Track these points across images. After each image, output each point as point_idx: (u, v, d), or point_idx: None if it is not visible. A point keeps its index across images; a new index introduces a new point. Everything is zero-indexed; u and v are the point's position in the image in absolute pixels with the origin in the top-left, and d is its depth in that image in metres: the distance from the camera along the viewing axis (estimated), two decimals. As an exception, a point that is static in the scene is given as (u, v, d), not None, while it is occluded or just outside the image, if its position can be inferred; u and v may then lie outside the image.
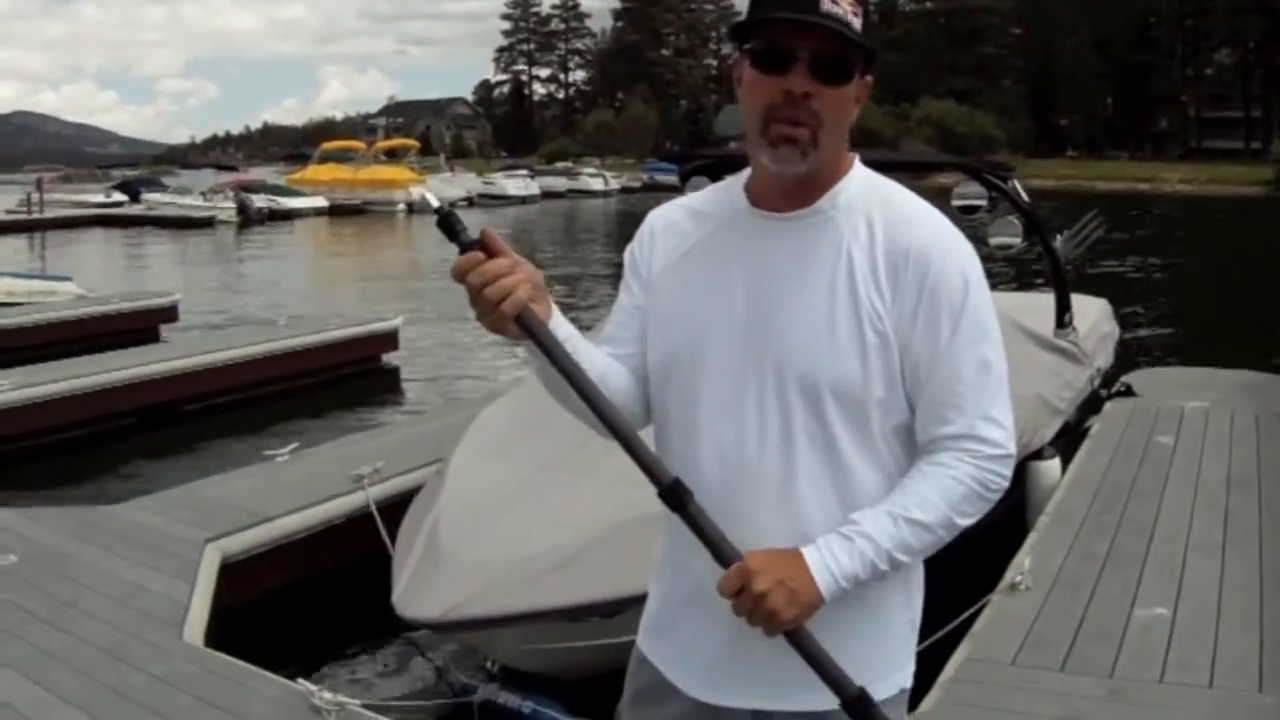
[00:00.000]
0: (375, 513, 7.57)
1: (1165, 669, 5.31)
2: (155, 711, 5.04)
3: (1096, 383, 10.37)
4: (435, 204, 2.23)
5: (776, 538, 2.32)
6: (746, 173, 2.53)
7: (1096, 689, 5.14)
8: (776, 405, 2.37)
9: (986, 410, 2.36)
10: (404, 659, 6.95)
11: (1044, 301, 10.15)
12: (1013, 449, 2.40)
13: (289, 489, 8.04)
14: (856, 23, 2.28)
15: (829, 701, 2.34)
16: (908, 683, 2.55)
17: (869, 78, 2.39)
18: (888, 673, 2.48)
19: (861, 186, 2.44)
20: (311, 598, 7.35)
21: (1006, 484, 2.40)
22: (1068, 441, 9.04)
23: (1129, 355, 14.81)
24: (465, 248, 2.22)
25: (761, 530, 2.34)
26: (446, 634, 5.90)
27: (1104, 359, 11.01)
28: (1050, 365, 8.99)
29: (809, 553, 2.29)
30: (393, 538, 6.62)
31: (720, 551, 2.26)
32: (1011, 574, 6.39)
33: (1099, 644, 5.57)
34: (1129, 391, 11.02)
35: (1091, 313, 11.23)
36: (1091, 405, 10.21)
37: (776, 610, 2.23)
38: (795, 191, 2.41)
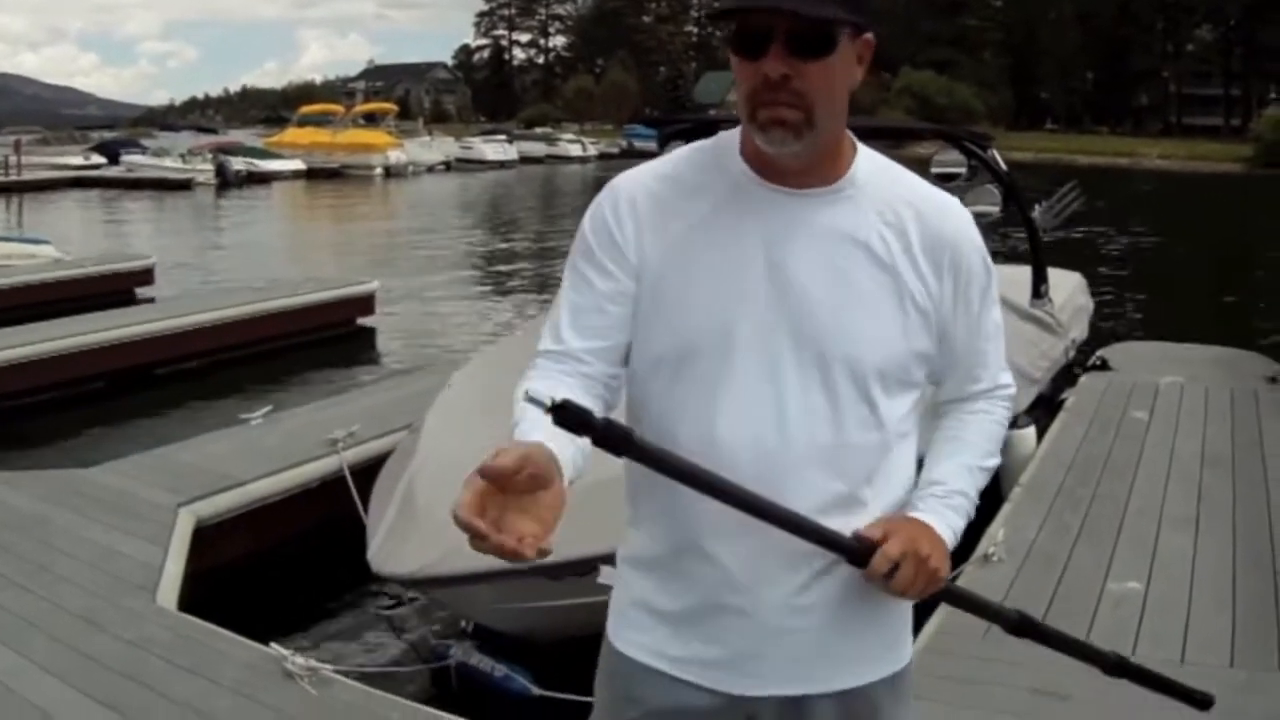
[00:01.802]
0: (349, 477, 7.55)
1: (1137, 643, 5.34)
2: (128, 676, 5.03)
3: (1071, 354, 10.43)
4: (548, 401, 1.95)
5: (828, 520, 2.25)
6: (729, 140, 2.39)
7: (1068, 662, 5.14)
8: (823, 392, 2.28)
9: (1001, 362, 2.56)
10: (378, 624, 6.96)
11: (1020, 274, 10.16)
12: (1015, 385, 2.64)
13: (263, 453, 8.03)
14: None
15: (863, 677, 2.42)
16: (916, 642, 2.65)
17: (868, 35, 2.26)
18: (907, 640, 2.53)
19: (871, 167, 2.39)
20: (285, 562, 7.34)
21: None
22: (1042, 412, 9.07)
23: (1103, 329, 14.86)
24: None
25: (808, 507, 2.22)
26: (420, 590, 5.88)
27: (1079, 331, 11.06)
28: (1027, 335, 9.03)
29: (926, 518, 2.33)
30: (366, 502, 6.61)
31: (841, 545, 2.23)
32: (985, 545, 6.41)
33: (1071, 617, 5.58)
34: (1104, 365, 11.04)
35: (1067, 285, 11.27)
36: (1065, 377, 10.26)
37: (939, 571, 2.26)
38: (812, 167, 2.31)
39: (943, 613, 5.56)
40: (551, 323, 2.39)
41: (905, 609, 2.49)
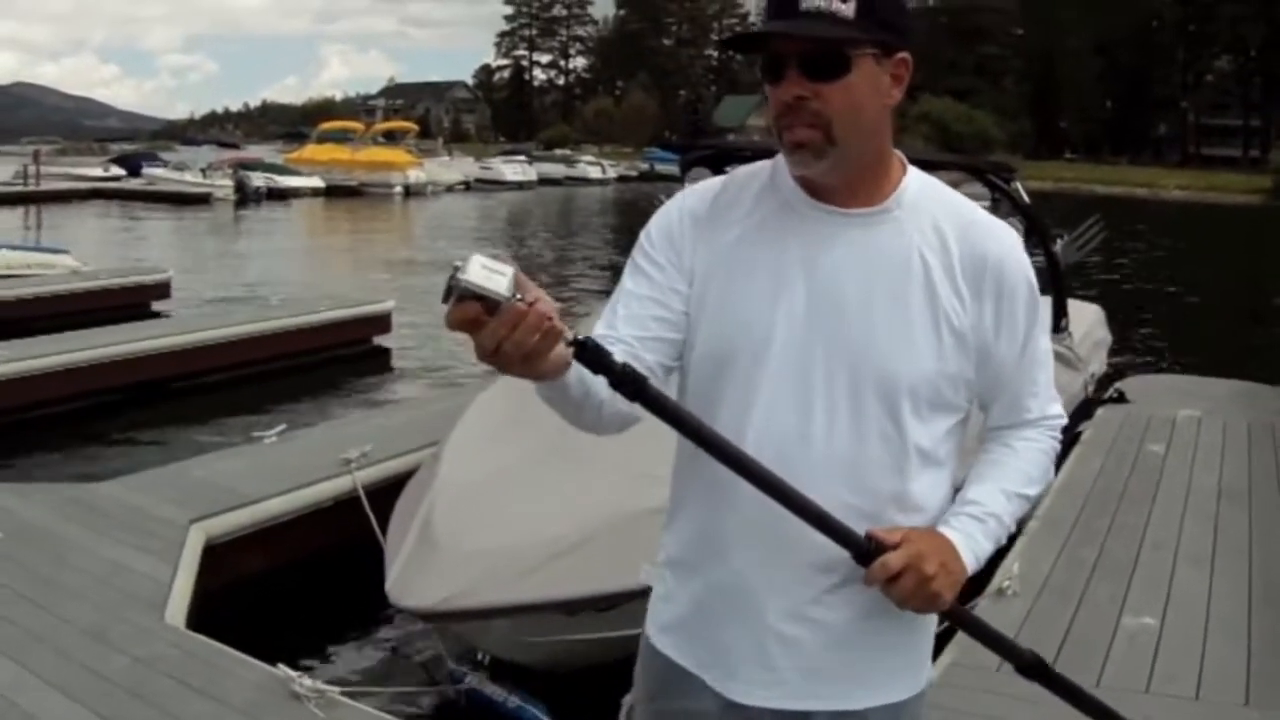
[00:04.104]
0: (362, 496, 7.52)
1: (1152, 679, 5.29)
2: (134, 694, 5.01)
3: (1090, 389, 10.36)
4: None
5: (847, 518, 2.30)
6: (783, 161, 2.43)
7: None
8: (849, 405, 2.34)
9: (1051, 392, 2.57)
10: (389, 647, 6.92)
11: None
12: (1066, 417, 2.63)
13: (276, 471, 8.00)
14: (847, 7, 2.21)
15: (865, 700, 2.45)
16: (933, 674, 2.71)
17: (902, 54, 2.31)
18: (920, 670, 2.55)
19: (920, 188, 2.44)
20: (296, 582, 7.29)
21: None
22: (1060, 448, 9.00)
23: (1120, 360, 14.81)
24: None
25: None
26: (439, 624, 5.85)
27: (1097, 365, 11.00)
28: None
29: (953, 536, 2.36)
30: (380, 522, 6.60)
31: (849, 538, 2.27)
32: (999, 579, 6.36)
33: (1086, 652, 5.55)
34: (1121, 398, 11.00)
35: (1086, 318, 11.20)
36: (1083, 411, 10.19)
37: (941, 594, 2.30)
38: (854, 186, 2.38)
39: (956, 647, 5.52)
40: (608, 308, 2.46)
41: (921, 639, 2.53)
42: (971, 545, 2.37)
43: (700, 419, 2.24)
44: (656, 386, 2.18)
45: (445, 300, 1.91)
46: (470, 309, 1.90)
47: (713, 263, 2.43)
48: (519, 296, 1.91)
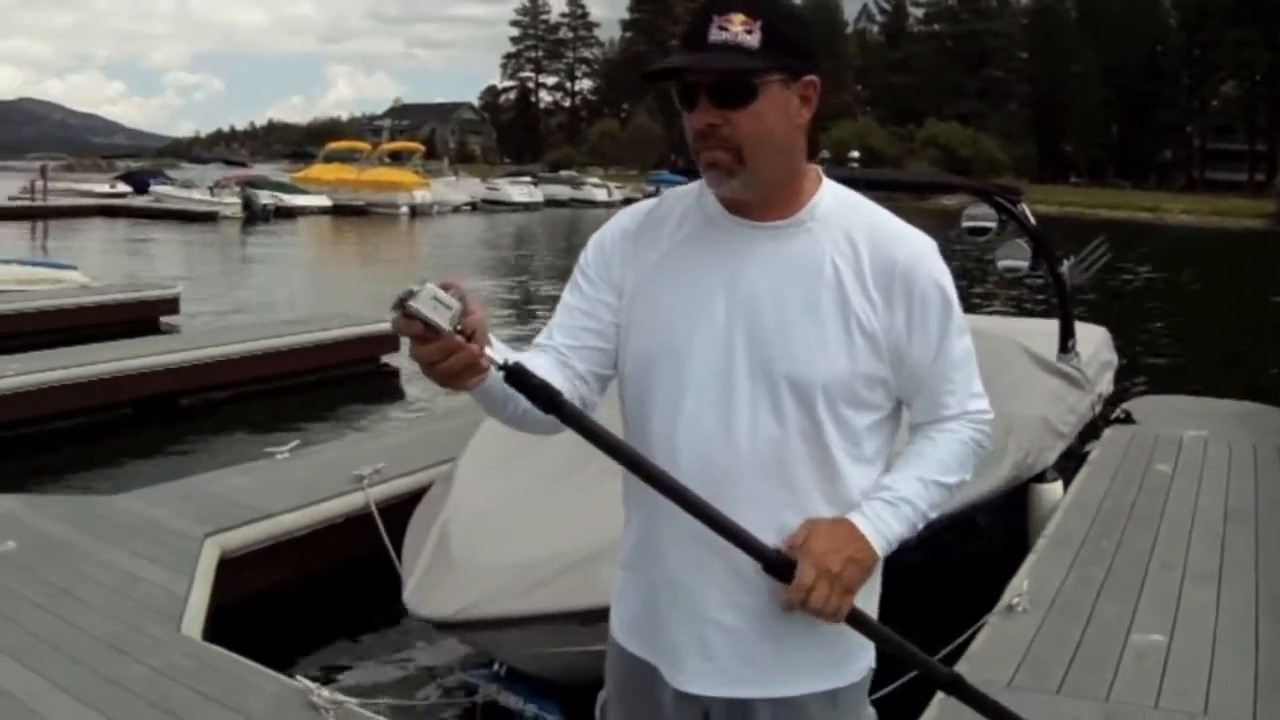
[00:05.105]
0: (375, 513, 7.55)
1: (1161, 695, 5.31)
2: (153, 703, 5.04)
3: (1098, 409, 10.36)
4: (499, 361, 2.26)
5: (775, 510, 2.51)
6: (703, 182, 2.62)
7: (1092, 713, 5.14)
8: (769, 405, 2.50)
9: (973, 389, 2.69)
10: (404, 658, 6.95)
11: (1046, 327, 10.15)
12: (992, 412, 2.74)
13: (289, 486, 8.02)
14: (752, 39, 2.38)
15: (800, 687, 2.61)
16: (873, 662, 2.73)
17: (809, 77, 2.50)
18: (855, 660, 2.68)
19: (835, 201, 2.60)
20: (310, 595, 7.35)
21: (991, 445, 2.76)
22: (1068, 466, 9.03)
23: (1126, 382, 14.82)
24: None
25: (755, 513, 2.47)
26: (455, 633, 5.89)
27: (1104, 386, 10.99)
28: (1054, 389, 8.99)
29: (860, 522, 2.50)
30: (392, 538, 6.63)
31: (761, 552, 2.44)
32: (1009, 596, 6.38)
33: (1095, 668, 5.58)
34: (1128, 418, 11.00)
35: (1092, 340, 11.20)
36: (1091, 432, 10.20)
37: (853, 586, 2.47)
38: (768, 202, 2.56)
39: (966, 663, 5.54)
40: (550, 321, 2.71)
41: (838, 640, 2.62)
42: (881, 529, 2.52)
43: (615, 435, 2.44)
44: (574, 403, 2.39)
45: (393, 309, 2.14)
46: (414, 327, 2.13)
47: (643, 276, 2.65)
48: (459, 328, 2.15)
